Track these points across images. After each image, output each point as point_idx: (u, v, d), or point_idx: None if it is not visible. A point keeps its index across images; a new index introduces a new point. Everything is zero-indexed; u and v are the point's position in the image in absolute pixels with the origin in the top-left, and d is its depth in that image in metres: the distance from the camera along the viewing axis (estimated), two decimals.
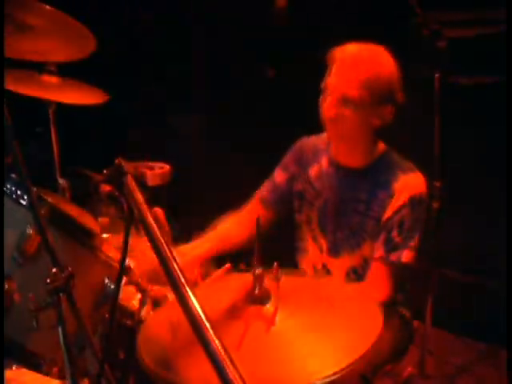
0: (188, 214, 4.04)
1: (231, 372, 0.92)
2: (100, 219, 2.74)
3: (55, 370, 1.72)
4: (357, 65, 2.29)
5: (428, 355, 3.10)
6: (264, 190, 2.68)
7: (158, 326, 1.64)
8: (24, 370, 2.20)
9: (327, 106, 2.34)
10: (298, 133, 2.71)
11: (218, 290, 1.84)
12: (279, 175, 2.64)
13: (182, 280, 1.04)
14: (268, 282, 1.59)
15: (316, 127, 2.47)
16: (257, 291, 1.57)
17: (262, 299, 1.57)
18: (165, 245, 1.10)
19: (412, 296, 2.59)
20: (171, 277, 1.05)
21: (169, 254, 1.08)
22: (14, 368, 2.24)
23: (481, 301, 3.62)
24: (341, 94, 2.29)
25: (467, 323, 3.66)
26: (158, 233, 1.12)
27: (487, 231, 3.68)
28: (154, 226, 1.14)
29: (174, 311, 1.60)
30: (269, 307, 1.56)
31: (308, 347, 1.47)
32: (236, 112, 4.57)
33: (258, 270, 1.56)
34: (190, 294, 1.03)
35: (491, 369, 3.45)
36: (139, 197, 1.23)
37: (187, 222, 3.11)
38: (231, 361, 0.93)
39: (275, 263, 1.63)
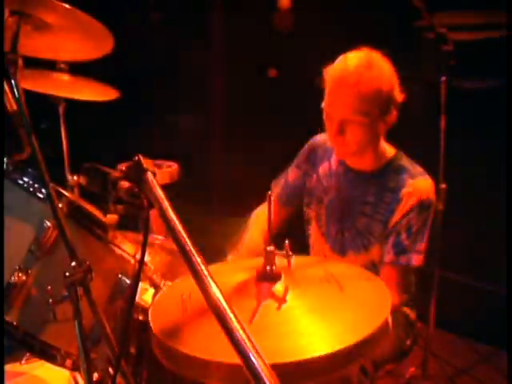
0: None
1: (257, 361, 0.95)
2: (109, 216, 2.77)
3: (69, 362, 1.74)
4: (354, 87, 2.21)
5: (430, 356, 3.12)
6: (278, 188, 2.72)
7: (170, 299, 1.66)
8: (36, 363, 2.25)
9: (330, 132, 2.33)
10: (298, 133, 2.74)
11: (230, 269, 1.85)
12: (292, 173, 2.68)
13: (206, 272, 1.07)
14: (279, 260, 1.60)
15: (317, 126, 2.50)
16: (268, 269, 1.57)
17: (273, 277, 1.57)
18: (187, 239, 1.13)
19: (417, 297, 2.62)
20: (195, 270, 1.08)
21: (192, 249, 1.11)
22: (24, 360, 2.30)
23: (483, 303, 3.65)
24: (342, 120, 2.26)
25: (469, 325, 3.69)
26: (179, 228, 1.15)
27: (490, 233, 3.71)
28: (176, 221, 1.17)
29: (185, 286, 1.63)
30: (280, 285, 1.56)
31: (315, 325, 1.47)
32: (236, 112, 4.60)
33: (269, 248, 1.57)
34: (214, 285, 1.06)
35: (492, 370, 3.47)
36: (160, 193, 1.26)
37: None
38: (256, 350, 0.96)
39: (286, 241, 1.65)
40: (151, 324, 1.50)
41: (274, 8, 4.25)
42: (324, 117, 2.34)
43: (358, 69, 2.22)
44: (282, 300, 1.52)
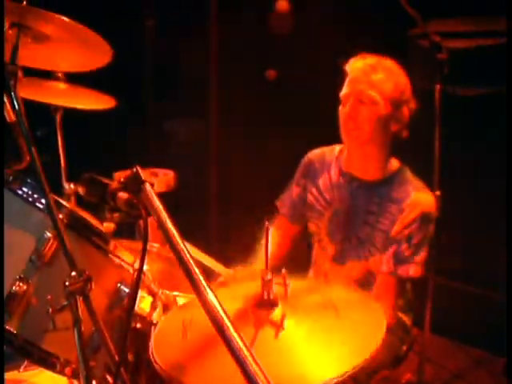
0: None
1: (254, 368, 0.97)
2: (105, 224, 2.79)
3: (68, 369, 1.75)
4: (375, 70, 2.37)
5: (426, 362, 3.13)
6: (285, 206, 2.75)
7: (170, 327, 1.69)
8: (34, 371, 2.27)
9: (345, 108, 2.41)
10: (298, 134, 2.76)
11: (227, 295, 1.88)
12: (294, 190, 2.71)
13: (204, 283, 1.10)
14: (276, 287, 1.63)
15: (317, 129, 2.52)
16: (265, 296, 1.60)
17: (270, 304, 1.60)
18: (185, 250, 1.15)
19: (412, 303, 2.64)
20: (193, 280, 1.10)
21: (189, 259, 1.13)
22: (22, 368, 2.31)
23: (478, 308, 3.67)
24: (359, 95, 2.37)
25: (465, 330, 3.70)
26: (178, 238, 1.17)
27: (485, 239, 3.72)
28: (174, 232, 1.19)
29: (185, 313, 1.66)
30: (277, 312, 1.59)
31: (313, 352, 1.51)
32: (235, 113, 4.61)
33: (267, 276, 1.60)
34: (212, 295, 1.08)
35: (487, 375, 3.49)
36: (158, 204, 1.28)
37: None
38: (253, 357, 0.99)
39: (283, 269, 1.68)
40: (155, 355, 1.53)
41: (273, 10, 4.27)
42: (340, 104, 2.44)
43: (379, 59, 2.42)
44: (279, 327, 1.54)
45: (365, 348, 1.48)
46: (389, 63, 2.42)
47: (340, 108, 2.44)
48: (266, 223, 1.64)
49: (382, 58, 2.43)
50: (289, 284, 1.66)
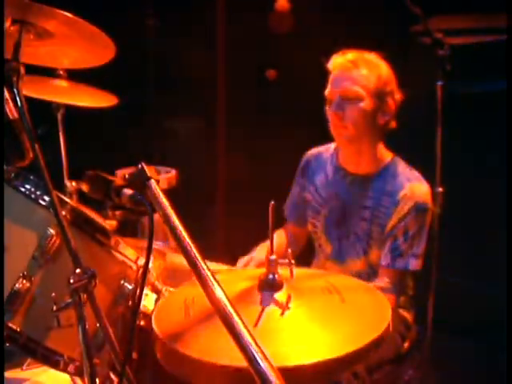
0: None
1: (264, 364, 0.97)
2: (107, 222, 2.78)
3: (71, 367, 1.75)
4: (356, 66, 2.38)
5: (428, 359, 3.13)
6: (288, 210, 2.77)
7: (173, 304, 1.69)
8: (37, 369, 2.26)
9: (331, 116, 2.43)
10: (297, 134, 2.76)
11: (234, 278, 1.87)
12: (294, 190, 2.72)
13: (211, 278, 1.09)
14: (282, 268, 1.63)
15: (315, 129, 2.52)
16: (271, 277, 1.60)
17: (275, 285, 1.60)
18: (192, 245, 1.15)
19: (415, 300, 2.64)
20: (200, 275, 1.09)
21: (196, 254, 1.13)
22: (25, 366, 2.31)
23: (481, 305, 3.67)
24: (344, 92, 2.38)
25: (467, 327, 3.70)
26: (184, 234, 1.17)
27: (488, 235, 3.73)
28: (180, 228, 1.18)
29: (188, 292, 1.66)
30: (282, 293, 1.59)
31: (317, 332, 1.50)
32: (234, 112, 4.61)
33: (272, 257, 1.60)
34: (219, 290, 1.08)
35: (491, 372, 3.49)
36: (164, 200, 1.27)
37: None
38: (263, 352, 0.98)
39: (289, 249, 1.67)
40: (155, 328, 1.52)
41: (273, 9, 4.27)
42: (326, 104, 2.45)
43: (363, 54, 2.44)
44: (285, 307, 1.54)
45: (370, 331, 1.47)
46: (370, 56, 2.44)
47: (326, 107, 2.46)
48: (272, 202, 1.62)
49: (362, 53, 2.44)
50: (293, 264, 1.65)
